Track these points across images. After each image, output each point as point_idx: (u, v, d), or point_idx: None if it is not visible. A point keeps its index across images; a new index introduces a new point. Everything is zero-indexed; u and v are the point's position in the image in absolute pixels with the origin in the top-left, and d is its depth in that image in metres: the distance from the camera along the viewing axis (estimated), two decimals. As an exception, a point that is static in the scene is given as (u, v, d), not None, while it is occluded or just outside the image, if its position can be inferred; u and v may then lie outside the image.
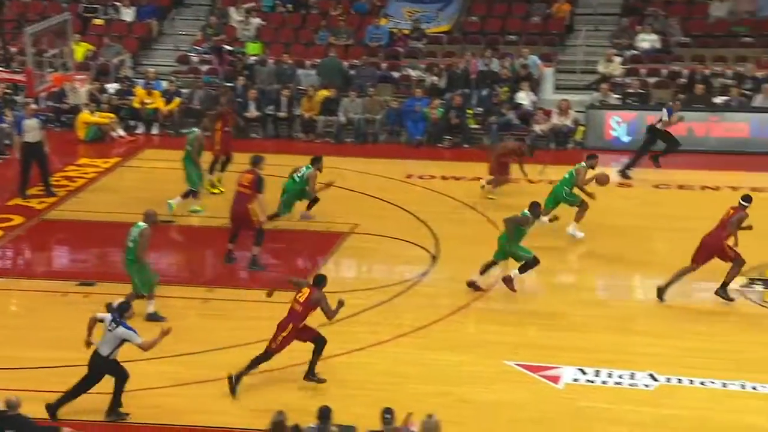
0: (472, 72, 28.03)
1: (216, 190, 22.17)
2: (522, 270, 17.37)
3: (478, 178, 22.75)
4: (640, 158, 23.90)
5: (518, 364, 14.96)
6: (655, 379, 14.53)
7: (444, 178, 23.64)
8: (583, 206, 19.93)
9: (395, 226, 20.48)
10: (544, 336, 15.92)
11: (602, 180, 20.04)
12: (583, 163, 20.18)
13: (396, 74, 28.81)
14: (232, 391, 13.99)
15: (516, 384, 14.52)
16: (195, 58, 29.97)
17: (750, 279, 17.78)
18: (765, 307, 16.94)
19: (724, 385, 14.35)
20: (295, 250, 19.64)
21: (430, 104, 26.88)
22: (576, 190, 20.03)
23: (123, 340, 13.36)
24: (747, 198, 17.35)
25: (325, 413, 11.93)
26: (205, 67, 29.49)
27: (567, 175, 20.13)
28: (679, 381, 14.48)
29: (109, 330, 13.39)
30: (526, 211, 17.39)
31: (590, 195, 19.99)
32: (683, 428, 13.33)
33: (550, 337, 15.82)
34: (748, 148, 25.12)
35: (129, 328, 13.44)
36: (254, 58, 29.37)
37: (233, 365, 14.14)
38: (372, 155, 25.64)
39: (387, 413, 11.72)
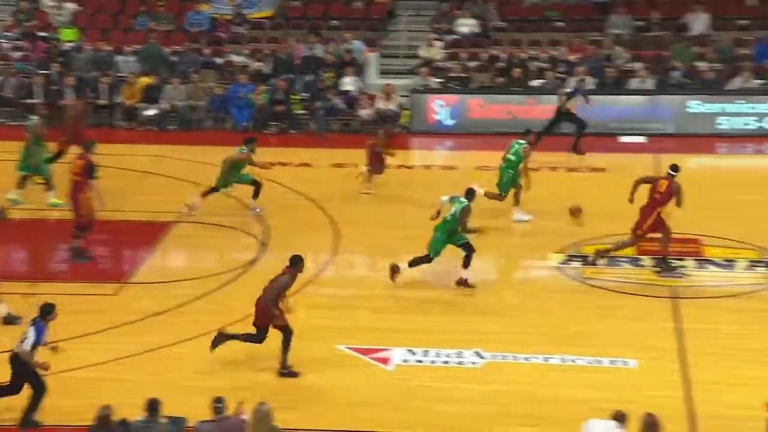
0: (297, 57, 28.06)
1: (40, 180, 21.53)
2: (415, 264, 17.03)
3: (306, 164, 22.80)
4: (581, 137, 24.06)
5: (350, 348, 15.13)
6: (482, 357, 14.89)
7: (271, 164, 23.60)
8: (520, 188, 19.90)
9: (223, 213, 20.37)
10: (375, 319, 16.12)
11: (574, 212, 19.58)
12: (524, 142, 20.07)
13: (219, 60, 28.61)
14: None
15: (347, 367, 14.66)
16: (6, 45, 29.11)
17: (568, 255, 18.36)
18: (583, 283, 17.50)
19: (546, 359, 14.80)
20: (119, 241, 19.37)
21: (255, 90, 26.80)
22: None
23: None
24: (675, 167, 17.72)
25: (153, 405, 11.82)
26: (17, 54, 28.68)
27: (513, 157, 19.90)
28: (504, 357, 14.86)
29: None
30: (462, 199, 17.03)
31: (527, 177, 19.89)
32: (509, 403, 13.70)
33: (380, 320, 16.03)
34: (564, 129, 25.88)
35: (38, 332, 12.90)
36: (70, 44, 28.72)
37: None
38: (197, 142, 25.42)
39: (218, 402, 11.71)
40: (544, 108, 26.17)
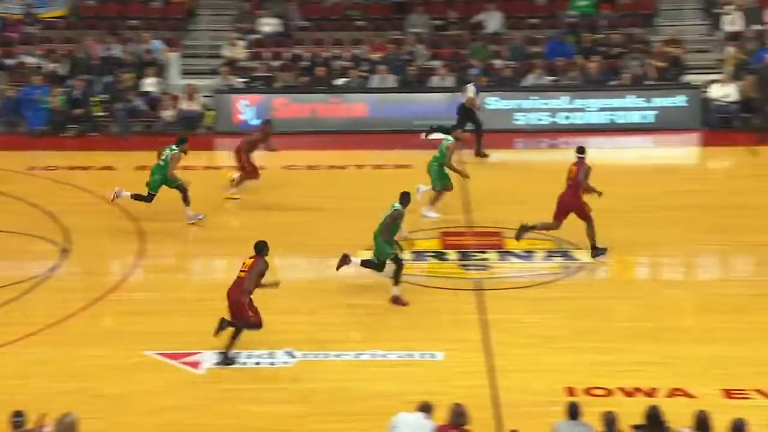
0: (94, 58, 27.45)
1: None
2: (366, 265, 16.74)
3: (109, 167, 22.34)
4: (481, 137, 24.01)
5: (159, 353, 14.89)
6: (293, 356, 14.89)
7: (70, 168, 23.03)
8: (446, 188, 19.96)
9: (19, 220, 19.77)
10: (186, 323, 15.90)
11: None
12: (452, 139, 20.13)
13: (10, 61, 27.72)
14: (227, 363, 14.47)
15: (156, 373, 14.44)
16: None
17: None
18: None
19: (357, 355, 14.92)
20: None
21: (51, 92, 26.08)
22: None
23: None
24: (581, 149, 18.18)
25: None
26: None
27: (438, 154, 19.96)
28: (316, 356, 14.91)
29: None
30: (397, 204, 16.68)
31: (462, 173, 20.17)
32: (322, 401, 13.75)
33: (191, 323, 15.82)
34: (368, 127, 26.13)
35: None
36: None
37: None
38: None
39: (17, 416, 11.31)
40: (348, 107, 26.37)
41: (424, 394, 12.15)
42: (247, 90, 27.15)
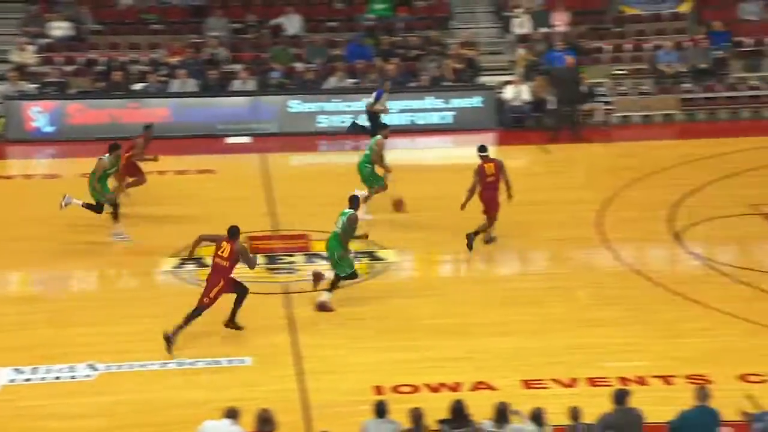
0: None
1: None
2: (332, 288, 16.38)
3: None
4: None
5: (-52, 372, 14.31)
6: (96, 369, 14.54)
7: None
8: (381, 188, 19.99)
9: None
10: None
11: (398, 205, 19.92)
12: (379, 136, 20.12)
13: None
14: (169, 350, 14.65)
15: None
16: None
17: (182, 259, 18.27)
18: (199, 285, 17.46)
19: (163, 365, 14.67)
20: None
21: None
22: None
23: None
24: (483, 148, 18.89)
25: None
26: None
27: (368, 152, 19.95)
28: (119, 367, 14.59)
29: None
30: (346, 210, 16.32)
31: (388, 169, 20.07)
32: (125, 413, 13.46)
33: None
34: (172, 132, 25.74)
35: None
36: None
37: None
38: None
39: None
40: (149, 111, 25.93)
41: (233, 401, 12.03)
42: (40, 96, 26.39)
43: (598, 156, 25.12)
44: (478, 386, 13.98)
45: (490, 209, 18.62)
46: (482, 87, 27.48)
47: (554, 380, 14.17)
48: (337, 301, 16.68)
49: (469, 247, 18.50)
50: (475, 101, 26.91)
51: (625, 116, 27.09)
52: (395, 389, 13.88)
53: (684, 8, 29.87)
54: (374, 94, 23.77)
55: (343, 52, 28.52)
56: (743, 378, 14.17)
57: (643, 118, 26.84)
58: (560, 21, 29.38)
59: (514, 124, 26.56)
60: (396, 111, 26.57)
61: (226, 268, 15.13)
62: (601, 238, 19.40)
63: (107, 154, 18.95)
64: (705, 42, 28.13)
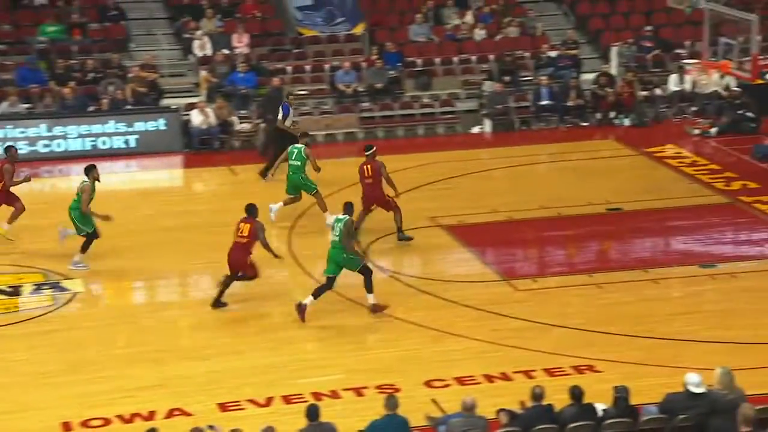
0: None
1: None
2: (317, 294, 16.90)
3: None
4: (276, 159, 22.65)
5: None
6: None
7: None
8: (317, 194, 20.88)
9: None
10: None
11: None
12: (302, 145, 20.98)
13: None
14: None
15: None
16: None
17: None
18: None
19: None
20: None
21: None
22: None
23: None
24: (369, 147, 20.10)
25: None
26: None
27: (298, 162, 20.77)
28: None
29: None
30: (341, 216, 16.96)
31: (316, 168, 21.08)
32: None
33: None
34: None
35: None
36: None
37: None
38: None
39: None
40: None
41: None
42: None
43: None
44: (173, 413, 13.84)
45: (369, 205, 19.83)
46: (166, 110, 27.21)
47: (250, 401, 14.23)
48: (18, 338, 16.10)
49: (406, 239, 19.78)
50: (159, 124, 26.59)
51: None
52: (85, 423, 13.53)
53: (358, 30, 30.75)
54: (281, 111, 23.70)
55: (13, 76, 27.50)
56: (428, 384, 14.74)
57: (326, 137, 27.37)
58: (240, 43, 29.56)
59: (201, 147, 26.44)
60: (76, 136, 25.93)
61: (244, 244, 17.03)
62: (294, 257, 19.61)
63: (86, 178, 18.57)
64: (380, 62, 29.04)
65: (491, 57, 29.89)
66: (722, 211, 21.84)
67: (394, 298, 17.88)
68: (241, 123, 27.08)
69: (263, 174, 23.59)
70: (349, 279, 18.13)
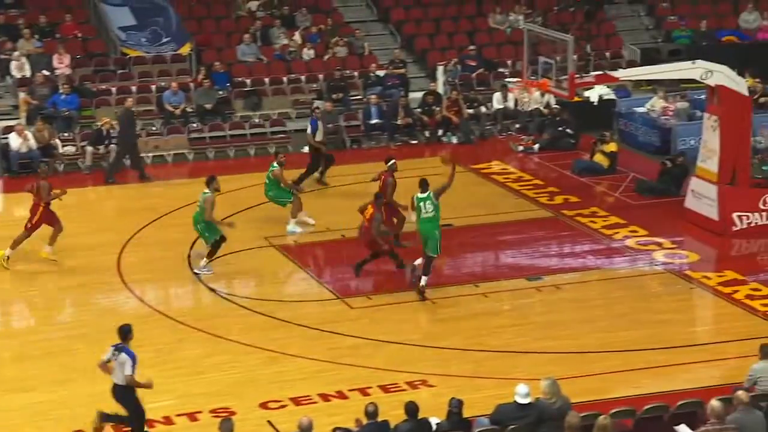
0: None
1: None
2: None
3: None
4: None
5: None
6: None
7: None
8: (296, 200, 21.75)
9: None
10: None
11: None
12: (276, 165, 21.58)
13: None
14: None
15: None
16: None
17: None
18: None
19: None
20: None
21: None
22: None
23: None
24: (389, 159, 21.09)
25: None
26: None
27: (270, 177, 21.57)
28: None
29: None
30: (206, 191, 18.84)
31: (296, 189, 22.08)
32: None
33: None
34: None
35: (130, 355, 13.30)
36: None
37: None
38: None
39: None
40: None
41: None
42: None
43: (114, 198, 25.09)
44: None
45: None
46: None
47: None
48: None
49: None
50: (-30, 148, 25.86)
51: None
52: None
53: (185, 50, 30.62)
54: (309, 126, 24.43)
55: None
56: (264, 406, 14.81)
57: (155, 159, 27.09)
58: (61, 64, 29.07)
59: (21, 171, 25.75)
60: None
61: (367, 227, 18.98)
62: (124, 281, 19.42)
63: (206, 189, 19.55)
64: (208, 82, 28.97)
65: (320, 76, 30.20)
66: (546, 224, 22.57)
67: (228, 320, 17.92)
68: (64, 146, 26.61)
69: (296, 184, 23.55)
70: (184, 303, 18.16)
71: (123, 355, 13.33)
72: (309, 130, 24.99)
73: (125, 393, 13.39)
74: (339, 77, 30.04)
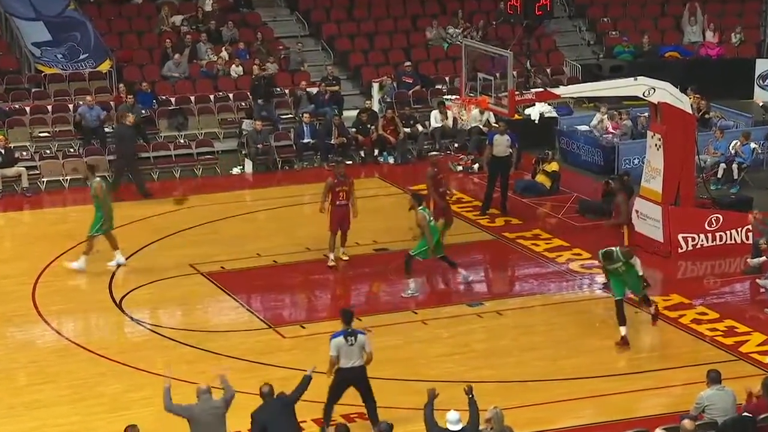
0: None
1: None
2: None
3: None
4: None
5: None
6: None
7: None
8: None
9: None
10: None
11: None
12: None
13: None
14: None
15: None
16: None
17: None
18: None
19: None
20: None
21: None
22: None
23: None
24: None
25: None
26: None
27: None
28: None
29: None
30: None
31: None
32: None
33: None
34: None
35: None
36: None
37: None
38: None
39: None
40: None
41: None
42: None
43: (28, 225, 24.89)
44: None
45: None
46: None
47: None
48: None
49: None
50: None
51: (53, 180, 26.86)
52: None
53: (104, 67, 30.43)
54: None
55: None
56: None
57: (73, 182, 26.80)
58: (-31, 82, 28.80)
59: None
60: None
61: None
62: (39, 312, 19.25)
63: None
64: (131, 100, 28.80)
65: (249, 94, 30.17)
66: (487, 248, 22.74)
67: (153, 352, 17.82)
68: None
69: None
70: (106, 334, 18.05)
71: (361, 337, 15.13)
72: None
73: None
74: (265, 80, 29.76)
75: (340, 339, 15.11)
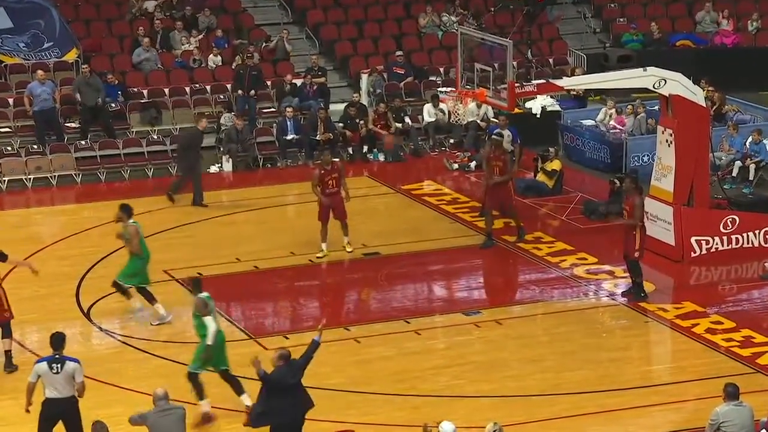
0: None
1: None
2: None
3: None
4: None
5: None
6: None
7: None
8: None
9: None
10: None
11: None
12: None
13: None
14: None
15: None
16: None
17: None
18: None
19: None
20: None
21: None
22: None
23: None
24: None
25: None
26: None
27: None
28: None
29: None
30: None
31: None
32: None
33: None
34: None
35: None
36: None
37: None
38: None
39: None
40: None
41: None
42: None
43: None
44: None
45: None
46: None
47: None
48: None
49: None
50: None
51: (14, 180, 26.84)
52: None
53: (70, 57, 30.38)
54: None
55: None
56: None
57: (37, 181, 26.80)
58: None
59: None
60: None
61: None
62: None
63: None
64: (87, 67, 28.51)
65: (228, 86, 30.14)
66: (485, 252, 22.75)
67: (123, 365, 17.81)
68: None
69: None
70: (73, 346, 18.01)
71: (70, 364, 14.41)
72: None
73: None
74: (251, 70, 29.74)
75: (43, 365, 14.46)
